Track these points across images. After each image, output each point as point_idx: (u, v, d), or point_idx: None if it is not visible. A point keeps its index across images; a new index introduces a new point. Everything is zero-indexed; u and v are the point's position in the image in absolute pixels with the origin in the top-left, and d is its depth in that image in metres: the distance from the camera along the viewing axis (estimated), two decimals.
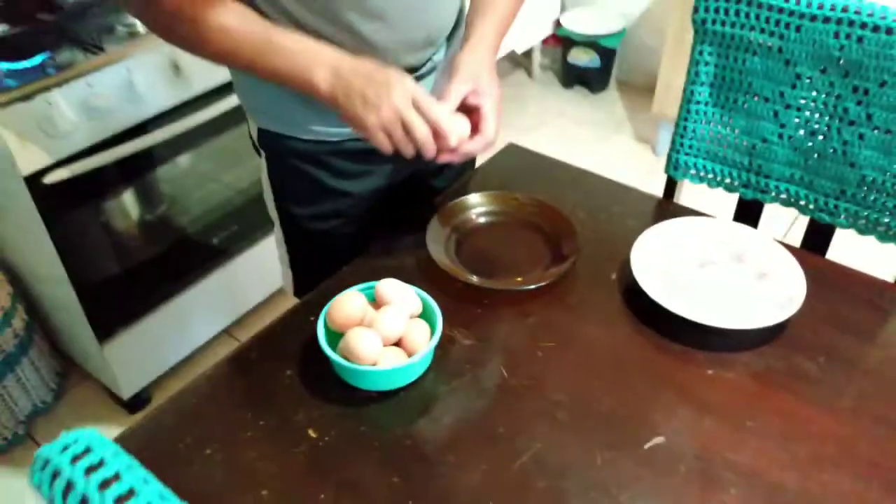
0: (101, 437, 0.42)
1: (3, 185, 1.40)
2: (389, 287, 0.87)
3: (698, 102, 1.06)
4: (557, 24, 2.97)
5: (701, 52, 1.02)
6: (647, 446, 0.77)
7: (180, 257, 1.74)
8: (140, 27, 1.50)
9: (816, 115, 0.99)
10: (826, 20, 0.92)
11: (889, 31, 0.88)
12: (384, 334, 0.82)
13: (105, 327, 1.61)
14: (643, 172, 2.52)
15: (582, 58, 2.95)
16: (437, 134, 0.81)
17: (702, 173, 1.12)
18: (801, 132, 1.01)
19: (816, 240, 1.09)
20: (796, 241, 1.11)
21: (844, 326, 0.91)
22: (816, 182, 1.03)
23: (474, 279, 0.95)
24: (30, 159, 1.34)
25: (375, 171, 0.93)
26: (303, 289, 1.16)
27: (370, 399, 0.83)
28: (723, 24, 0.99)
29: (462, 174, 1.19)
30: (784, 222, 1.87)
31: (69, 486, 0.38)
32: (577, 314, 0.94)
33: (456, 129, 0.83)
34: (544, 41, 3.07)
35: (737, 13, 0.97)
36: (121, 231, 1.60)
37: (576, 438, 0.79)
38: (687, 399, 0.83)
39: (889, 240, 1.01)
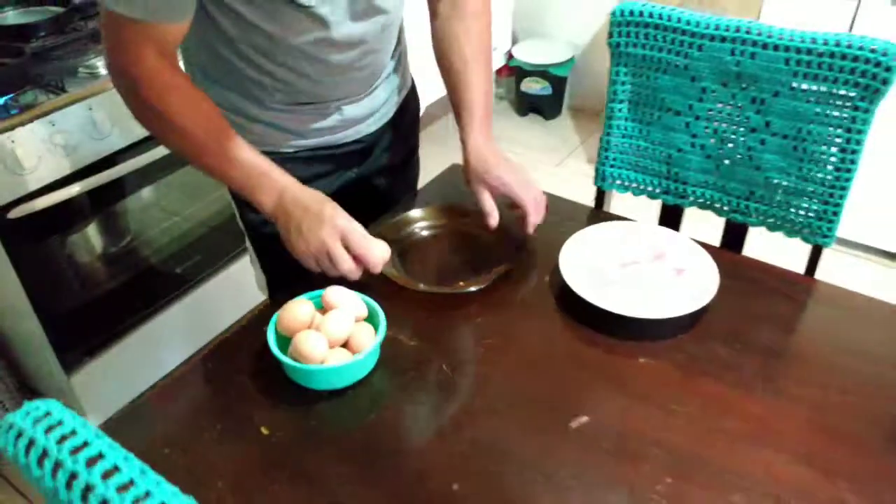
0: (60, 404, 0.48)
1: None
2: (336, 293, 0.94)
3: (618, 119, 1.16)
4: (510, 55, 3.10)
5: (617, 73, 1.13)
6: (573, 425, 0.85)
7: (146, 287, 1.79)
8: (101, 69, 1.57)
9: (723, 125, 1.09)
10: (723, 39, 1.03)
11: (776, 47, 0.99)
12: (330, 335, 0.89)
13: (72, 358, 1.65)
14: (593, 191, 2.63)
15: (534, 87, 3.08)
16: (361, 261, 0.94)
17: (626, 183, 1.21)
18: (712, 141, 1.11)
19: (733, 239, 1.18)
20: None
21: (758, 315, 1.00)
22: (728, 185, 1.13)
23: (421, 286, 1.02)
24: None
25: (322, 176, 1.01)
26: (275, 289, 1.25)
27: (321, 398, 0.89)
28: (635, 46, 1.09)
29: (407, 180, 1.28)
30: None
31: (31, 444, 0.44)
32: (514, 315, 1.02)
33: (380, 260, 0.94)
34: (498, 72, 3.20)
35: (646, 36, 1.08)
36: (86, 263, 1.65)
37: (513, 425, 0.85)
38: (614, 385, 0.90)
39: (795, 234, 1.11)
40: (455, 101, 1.08)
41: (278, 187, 0.93)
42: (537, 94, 3.11)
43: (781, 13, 2.11)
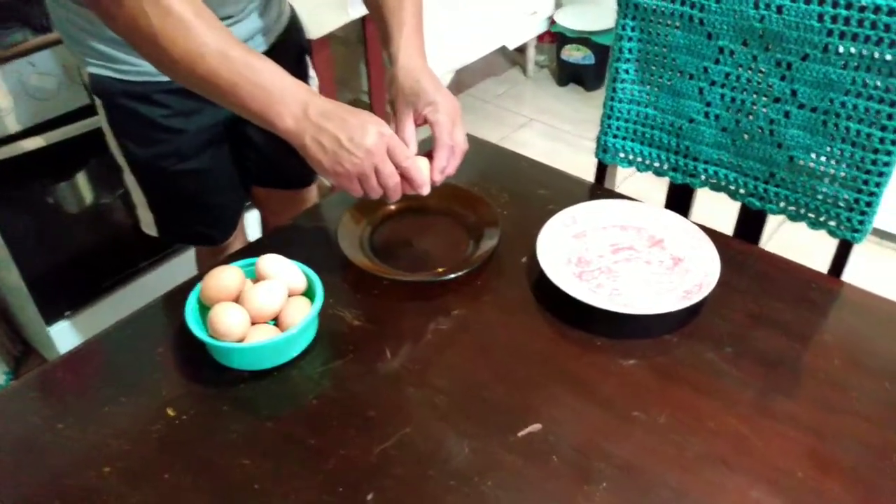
0: None
1: None
2: (270, 262, 0.83)
3: (624, 81, 1.01)
4: (552, 21, 2.92)
5: (624, 28, 0.97)
6: (520, 434, 0.72)
7: (136, 243, 1.72)
8: None
9: (742, 93, 0.93)
10: None
11: (808, 0, 0.82)
12: (254, 309, 0.78)
13: (53, 310, 1.60)
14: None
15: (576, 55, 2.90)
16: (407, 178, 0.80)
17: (630, 156, 1.06)
18: (728, 111, 0.95)
19: (749, 227, 1.02)
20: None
21: (762, 317, 0.85)
22: (745, 164, 0.97)
23: (399, 276, 0.90)
24: None
25: (207, 108, 0.89)
26: (166, 228, 1.19)
27: (240, 379, 0.79)
28: None
29: None
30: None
31: None
32: (479, 298, 0.89)
33: (427, 177, 0.82)
34: (539, 38, 3.02)
35: None
36: (72, 214, 1.59)
37: (449, 425, 0.74)
38: (576, 388, 0.77)
39: (819, 226, 0.95)
40: (380, 16, 0.92)
41: (301, 98, 0.77)
42: (579, 63, 2.92)
43: None
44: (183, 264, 1.81)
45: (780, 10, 0.84)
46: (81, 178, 1.57)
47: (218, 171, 1.15)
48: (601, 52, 2.86)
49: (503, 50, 2.86)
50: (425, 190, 0.82)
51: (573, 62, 2.93)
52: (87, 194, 1.60)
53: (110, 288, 1.69)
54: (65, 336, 1.64)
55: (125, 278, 1.71)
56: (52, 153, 1.45)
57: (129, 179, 1.13)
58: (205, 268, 1.34)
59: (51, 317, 1.60)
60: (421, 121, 0.87)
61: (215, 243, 1.27)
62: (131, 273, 1.72)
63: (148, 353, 0.82)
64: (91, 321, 1.67)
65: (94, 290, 1.67)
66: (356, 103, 2.52)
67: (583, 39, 2.84)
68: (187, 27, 0.75)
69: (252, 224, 1.66)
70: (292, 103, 0.77)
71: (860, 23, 0.81)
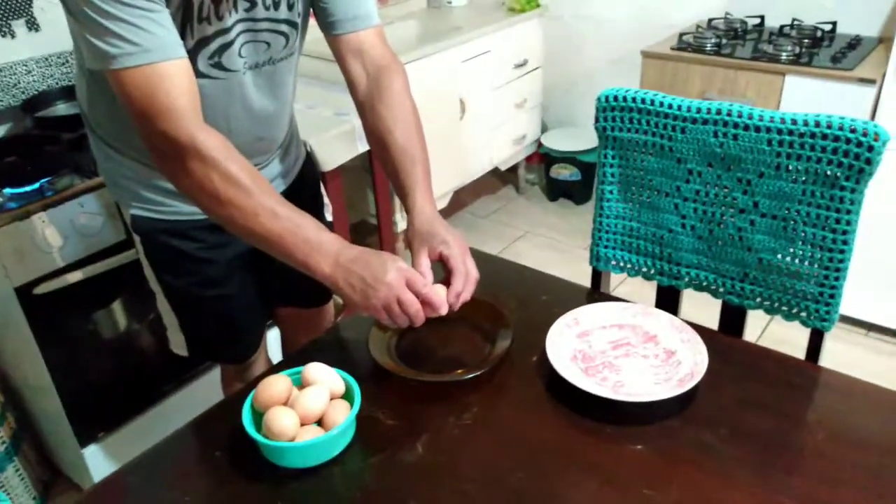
0: None
1: None
2: (314, 370, 0.95)
3: (609, 200, 1.16)
4: (539, 143, 3.17)
5: (605, 156, 1.14)
6: None
7: (163, 365, 1.82)
8: None
9: (712, 206, 1.08)
10: (705, 122, 1.04)
11: (758, 129, 1.00)
12: (302, 412, 0.89)
13: (88, 433, 1.68)
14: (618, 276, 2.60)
15: (563, 173, 3.13)
16: (426, 304, 0.94)
17: (621, 264, 1.20)
18: (701, 222, 1.10)
19: (731, 321, 1.15)
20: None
21: (750, 401, 0.96)
22: (722, 267, 1.11)
23: (424, 376, 1.01)
24: (22, 272, 1.46)
25: (235, 240, 1.04)
26: (196, 348, 1.31)
27: (291, 476, 0.88)
28: (620, 130, 1.11)
29: None
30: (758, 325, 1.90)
31: None
32: (497, 395, 1.00)
33: (445, 300, 0.96)
34: (528, 159, 3.26)
35: (631, 120, 1.10)
36: (108, 339, 1.70)
37: None
38: (591, 472, 0.87)
39: (792, 318, 1.07)
40: (396, 175, 1.09)
41: (335, 249, 0.92)
42: (567, 180, 3.15)
43: (802, 101, 2.11)
44: (206, 386, 1.90)
45: (735, 137, 1.02)
46: (117, 306, 1.70)
47: (244, 294, 1.29)
48: (586, 169, 3.09)
49: (496, 170, 3.08)
50: (444, 310, 0.96)
51: (561, 179, 3.16)
52: (122, 321, 1.72)
53: (139, 410, 1.78)
54: (97, 458, 1.70)
55: (153, 400, 1.80)
56: (92, 284, 1.58)
57: (163, 304, 1.26)
58: (230, 386, 1.45)
59: (85, 440, 1.68)
60: (435, 256, 1.01)
61: (241, 361, 1.38)
62: (158, 395, 1.82)
63: (207, 456, 0.92)
64: (121, 443, 1.75)
65: (125, 412, 1.76)
66: (364, 223, 2.70)
67: (568, 158, 3.08)
68: (247, 192, 0.91)
69: (272, 342, 1.77)
70: (328, 253, 0.92)
71: (801, 146, 0.98)
